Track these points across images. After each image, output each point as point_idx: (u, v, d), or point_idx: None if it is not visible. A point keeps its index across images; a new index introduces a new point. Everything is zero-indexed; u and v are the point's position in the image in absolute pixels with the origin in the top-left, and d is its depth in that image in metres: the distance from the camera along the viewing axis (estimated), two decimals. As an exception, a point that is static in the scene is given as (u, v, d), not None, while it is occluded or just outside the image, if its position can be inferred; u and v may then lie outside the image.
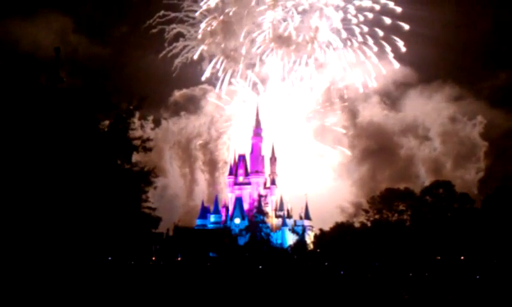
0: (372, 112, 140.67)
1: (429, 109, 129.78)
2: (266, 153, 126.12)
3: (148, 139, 34.20)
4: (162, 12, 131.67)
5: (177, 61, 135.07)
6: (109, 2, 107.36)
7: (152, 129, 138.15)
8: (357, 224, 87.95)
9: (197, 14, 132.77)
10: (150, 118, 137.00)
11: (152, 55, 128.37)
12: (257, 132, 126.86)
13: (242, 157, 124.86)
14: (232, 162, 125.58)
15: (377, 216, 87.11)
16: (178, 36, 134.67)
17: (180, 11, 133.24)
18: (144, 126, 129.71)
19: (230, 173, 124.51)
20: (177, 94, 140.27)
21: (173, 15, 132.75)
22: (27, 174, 24.52)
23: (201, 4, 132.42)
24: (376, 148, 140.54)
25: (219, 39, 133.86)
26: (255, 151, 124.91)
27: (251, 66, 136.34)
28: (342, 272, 71.86)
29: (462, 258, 77.53)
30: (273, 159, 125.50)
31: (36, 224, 24.78)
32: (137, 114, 34.62)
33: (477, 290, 38.83)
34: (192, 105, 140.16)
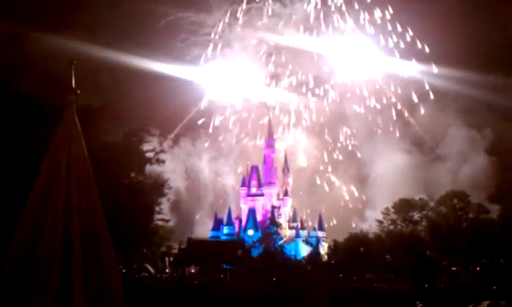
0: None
1: (439, 121, 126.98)
2: (279, 164, 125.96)
3: (162, 151, 34.42)
4: (182, 35, 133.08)
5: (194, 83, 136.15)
6: (131, 27, 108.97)
7: (171, 147, 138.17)
8: (371, 235, 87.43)
9: (212, 30, 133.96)
10: (170, 136, 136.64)
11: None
12: (270, 143, 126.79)
13: (255, 168, 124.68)
14: (245, 173, 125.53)
15: (391, 227, 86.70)
16: (197, 58, 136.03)
17: (199, 36, 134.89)
18: (163, 143, 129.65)
19: (243, 185, 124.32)
20: (193, 111, 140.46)
21: (193, 38, 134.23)
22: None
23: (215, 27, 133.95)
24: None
25: (229, 55, 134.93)
26: (268, 162, 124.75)
27: (262, 79, 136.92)
28: (355, 283, 71.30)
29: (478, 268, 76.64)
30: (286, 170, 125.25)
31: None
32: (157, 132, 34.90)
33: (495, 301, 38.28)
34: (207, 121, 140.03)
